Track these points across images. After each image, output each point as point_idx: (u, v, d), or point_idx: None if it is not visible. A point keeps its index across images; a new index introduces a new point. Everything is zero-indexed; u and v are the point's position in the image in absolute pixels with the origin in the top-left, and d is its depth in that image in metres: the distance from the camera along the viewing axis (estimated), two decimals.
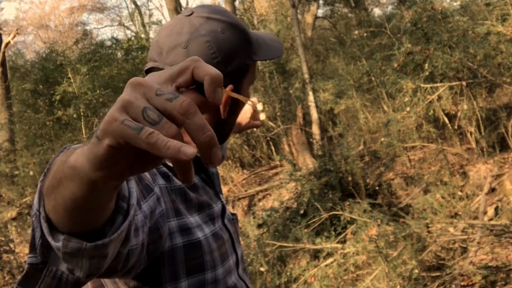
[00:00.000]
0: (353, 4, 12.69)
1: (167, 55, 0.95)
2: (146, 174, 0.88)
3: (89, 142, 0.53)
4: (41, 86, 11.08)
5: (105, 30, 41.81)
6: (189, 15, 0.97)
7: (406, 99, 7.46)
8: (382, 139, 8.11)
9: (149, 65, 0.99)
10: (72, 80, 10.60)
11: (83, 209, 0.58)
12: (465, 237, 5.18)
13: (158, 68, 0.96)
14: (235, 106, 1.03)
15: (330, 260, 5.29)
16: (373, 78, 9.68)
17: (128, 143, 0.48)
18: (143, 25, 19.52)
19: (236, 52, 0.98)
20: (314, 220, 6.23)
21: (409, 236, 4.96)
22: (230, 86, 0.98)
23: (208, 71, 0.51)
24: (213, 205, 1.02)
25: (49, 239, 0.62)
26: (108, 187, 0.56)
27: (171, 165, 0.96)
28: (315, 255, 5.92)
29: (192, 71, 0.51)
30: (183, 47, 0.94)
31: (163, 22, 19.46)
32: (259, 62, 12.15)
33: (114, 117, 0.49)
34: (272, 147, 10.76)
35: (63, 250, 0.62)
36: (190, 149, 0.48)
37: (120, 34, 28.85)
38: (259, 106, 1.27)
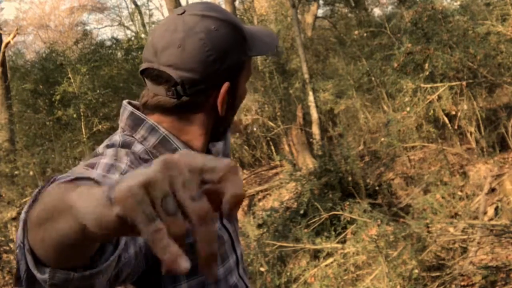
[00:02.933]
0: (353, 4, 12.68)
1: (162, 54, 0.95)
2: None
3: (95, 186, 0.53)
4: (41, 86, 11.08)
5: (105, 30, 41.82)
6: (181, 14, 0.96)
7: (406, 99, 7.46)
8: (382, 139, 8.11)
9: (144, 65, 0.99)
10: (72, 80, 10.60)
11: (73, 246, 0.56)
12: (465, 237, 5.18)
13: (153, 69, 0.96)
14: (232, 102, 1.02)
15: (330, 260, 5.29)
16: (373, 78, 9.68)
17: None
18: (143, 25, 19.52)
19: (231, 49, 0.97)
20: (314, 220, 6.23)
21: (409, 236, 4.96)
22: (226, 84, 0.98)
23: (236, 191, 0.50)
24: None
25: (35, 272, 0.61)
26: (104, 239, 0.55)
27: None
28: (315, 255, 5.92)
29: (222, 178, 0.50)
30: (177, 46, 0.93)
31: None
32: (258, 61, 12.13)
33: (133, 192, 0.47)
34: (272, 147, 10.77)
35: (49, 282, 0.61)
36: (184, 264, 0.48)
37: (120, 34, 28.86)
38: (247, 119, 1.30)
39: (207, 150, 1.04)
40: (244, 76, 1.03)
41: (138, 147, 0.95)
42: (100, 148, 0.95)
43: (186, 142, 0.99)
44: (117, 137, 0.98)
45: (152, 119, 0.98)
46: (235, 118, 1.13)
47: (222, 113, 0.99)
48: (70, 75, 10.65)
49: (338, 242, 5.52)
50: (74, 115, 10.35)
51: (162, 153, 0.95)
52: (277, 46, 1.07)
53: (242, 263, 1.10)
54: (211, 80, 0.96)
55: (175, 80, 0.94)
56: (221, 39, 0.95)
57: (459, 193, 6.79)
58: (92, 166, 0.85)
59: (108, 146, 0.95)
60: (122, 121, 1.00)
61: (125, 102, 1.02)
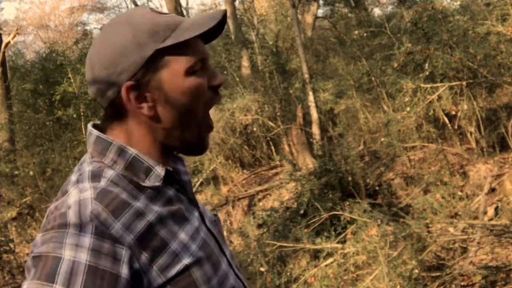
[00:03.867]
0: (353, 4, 12.69)
1: (86, 72, 1.00)
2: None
3: None
4: (41, 86, 11.08)
5: None
6: (101, 29, 1.00)
7: (406, 99, 7.47)
8: (382, 139, 8.11)
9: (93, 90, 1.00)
10: (72, 80, 10.60)
11: None
12: (465, 237, 5.18)
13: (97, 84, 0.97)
14: (167, 99, 0.97)
15: (330, 260, 5.29)
16: (373, 78, 9.68)
17: None
18: None
19: (126, 49, 0.94)
20: (314, 220, 6.23)
21: (409, 236, 4.96)
22: (126, 83, 0.94)
23: None
24: (189, 217, 1.00)
25: None
26: None
27: (145, 185, 0.94)
28: (315, 255, 5.92)
29: None
30: (88, 63, 0.98)
31: None
32: (258, 61, 12.05)
33: None
34: (272, 147, 10.77)
35: None
36: None
37: None
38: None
39: (176, 170, 1.02)
40: (172, 69, 0.96)
41: (109, 173, 0.93)
42: (70, 186, 0.92)
43: (148, 154, 0.98)
44: (86, 165, 0.96)
45: (112, 132, 0.98)
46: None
47: (150, 113, 0.96)
48: (70, 75, 10.66)
49: (338, 242, 5.52)
50: (74, 115, 10.36)
51: (134, 175, 0.94)
52: (218, 22, 0.99)
53: (234, 261, 1.10)
54: (114, 84, 0.95)
55: (91, 96, 0.99)
56: (108, 44, 0.95)
57: (459, 193, 6.79)
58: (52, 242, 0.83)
59: (78, 181, 0.92)
60: (90, 146, 0.98)
61: (89, 125, 1.01)
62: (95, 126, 1.01)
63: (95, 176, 0.92)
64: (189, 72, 0.97)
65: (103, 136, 0.97)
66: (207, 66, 1.01)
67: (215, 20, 0.98)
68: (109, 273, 0.83)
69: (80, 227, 0.84)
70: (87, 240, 0.84)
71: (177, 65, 0.97)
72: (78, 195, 0.89)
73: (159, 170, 0.96)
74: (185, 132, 0.99)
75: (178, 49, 0.96)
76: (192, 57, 0.97)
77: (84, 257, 0.82)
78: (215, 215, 1.13)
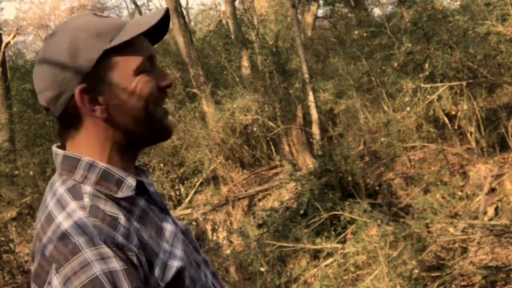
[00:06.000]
0: (353, 4, 12.69)
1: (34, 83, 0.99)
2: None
3: None
4: None
5: None
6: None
7: (406, 99, 7.46)
8: (382, 139, 8.11)
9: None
10: None
11: None
12: (465, 237, 5.18)
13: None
14: (121, 100, 0.96)
15: (330, 260, 5.29)
16: (373, 78, 9.68)
17: None
18: None
19: (69, 53, 0.94)
20: (314, 220, 6.23)
21: (409, 236, 4.96)
22: (78, 87, 0.94)
23: None
24: (164, 225, 1.00)
25: None
26: None
27: (119, 196, 0.93)
28: (315, 255, 5.92)
29: None
30: (34, 74, 0.98)
31: None
32: (258, 61, 12.04)
33: None
34: (272, 147, 10.76)
35: None
36: None
37: None
38: None
39: (140, 183, 0.99)
40: (120, 69, 0.96)
41: (87, 189, 0.92)
42: (53, 211, 0.90)
43: (116, 165, 0.97)
44: (58, 186, 0.94)
45: (73, 146, 0.97)
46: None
47: (104, 115, 0.95)
48: None
49: (338, 242, 5.52)
50: None
51: (106, 188, 0.93)
52: (162, 19, 0.99)
53: (210, 268, 1.10)
54: (64, 90, 0.94)
55: (43, 105, 0.97)
56: (56, 49, 0.95)
57: (459, 193, 6.79)
58: None
59: (61, 205, 0.90)
60: (58, 167, 0.97)
61: (54, 147, 1.00)
62: (58, 147, 1.00)
63: (76, 195, 0.91)
64: (138, 71, 0.97)
65: (69, 154, 0.96)
66: (155, 66, 1.01)
67: (158, 17, 0.98)
68: (136, 276, 0.85)
69: (93, 243, 0.84)
70: (106, 250, 0.84)
71: (126, 65, 0.96)
72: (71, 218, 0.87)
73: (130, 181, 0.96)
74: (144, 128, 0.99)
75: (125, 49, 0.96)
76: (140, 56, 0.97)
77: (116, 264, 0.83)
78: (185, 225, 1.13)
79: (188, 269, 0.97)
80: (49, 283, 0.83)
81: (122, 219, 0.91)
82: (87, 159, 0.95)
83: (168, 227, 1.00)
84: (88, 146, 0.97)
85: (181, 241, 1.01)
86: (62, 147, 1.00)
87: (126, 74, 0.96)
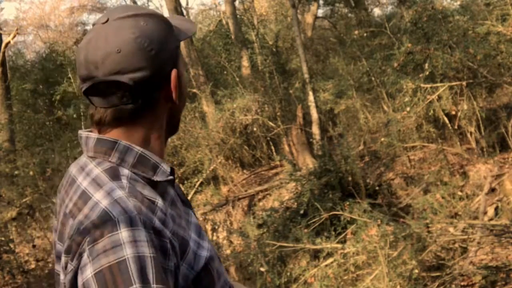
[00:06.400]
0: (353, 4, 12.68)
1: (103, 65, 0.93)
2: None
3: None
4: (41, 86, 11.10)
5: None
6: (105, 22, 0.96)
7: (406, 99, 7.46)
8: (382, 139, 8.11)
9: (88, 84, 0.95)
10: (72, 80, 10.60)
11: None
12: (465, 237, 5.18)
13: (99, 83, 0.94)
14: (180, 90, 1.03)
15: (330, 260, 5.29)
16: (373, 78, 9.68)
17: None
18: None
19: (166, 38, 0.98)
20: (314, 220, 6.23)
21: (409, 236, 4.96)
22: (174, 70, 0.99)
23: None
24: (189, 217, 1.02)
25: None
26: None
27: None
28: (315, 255, 5.92)
29: None
30: (117, 52, 0.93)
31: None
32: (258, 61, 12.07)
33: None
34: (272, 147, 10.76)
35: None
36: None
37: None
38: None
39: (171, 170, 1.00)
40: (181, 62, 1.04)
41: (124, 172, 0.93)
42: (89, 190, 0.90)
43: (152, 151, 0.99)
44: (93, 168, 0.94)
45: (109, 135, 0.97)
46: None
47: (177, 102, 1.00)
48: (70, 75, 10.66)
49: (338, 242, 5.52)
50: (74, 115, 10.36)
51: (143, 172, 0.94)
52: (195, 29, 1.10)
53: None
54: (160, 72, 0.97)
55: (128, 84, 0.93)
56: (154, 31, 0.96)
57: (459, 193, 6.79)
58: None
59: (97, 184, 0.90)
60: (89, 150, 0.97)
61: (81, 131, 1.00)
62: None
63: (114, 176, 0.92)
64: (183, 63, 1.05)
65: (104, 137, 0.96)
66: None
67: (194, 30, 1.09)
68: (162, 266, 0.85)
69: (131, 222, 0.84)
70: (142, 233, 0.84)
71: (182, 58, 1.05)
72: (110, 196, 0.88)
73: (165, 167, 0.97)
74: (179, 119, 1.08)
75: (179, 45, 1.04)
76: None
77: (146, 250, 0.83)
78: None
79: (215, 261, 0.99)
80: (80, 255, 0.84)
81: (159, 203, 0.92)
82: (124, 143, 0.96)
83: (193, 220, 1.03)
84: (144, 131, 0.99)
85: (204, 234, 1.03)
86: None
87: (183, 66, 1.04)
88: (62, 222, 0.92)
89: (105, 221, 0.84)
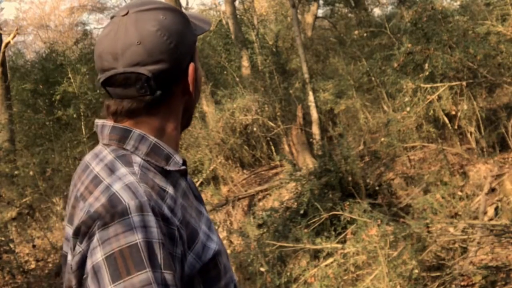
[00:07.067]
0: (353, 4, 12.68)
1: (123, 57, 0.94)
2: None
3: None
4: (41, 86, 11.09)
5: None
6: (125, 15, 0.98)
7: (406, 99, 7.46)
8: (382, 139, 8.11)
9: (107, 74, 0.96)
10: (72, 80, 10.60)
11: None
12: (465, 237, 5.18)
13: (118, 74, 0.95)
14: (198, 84, 1.05)
15: (330, 260, 5.29)
16: (373, 78, 9.68)
17: None
18: None
19: (184, 31, 1.00)
20: (314, 220, 6.22)
21: (409, 236, 4.96)
22: (192, 64, 1.00)
23: None
24: (201, 210, 1.04)
25: None
26: None
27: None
28: (315, 255, 5.92)
29: None
30: (137, 44, 0.94)
31: None
32: (258, 61, 12.07)
33: None
34: (272, 147, 10.76)
35: None
36: None
37: None
38: None
39: (183, 161, 1.02)
40: (197, 56, 1.06)
41: (137, 159, 0.94)
42: (102, 175, 0.92)
43: (166, 143, 1.00)
44: (107, 155, 0.95)
45: (132, 123, 0.99)
46: None
47: (193, 90, 1.01)
48: (70, 75, 10.66)
49: (338, 242, 5.52)
50: (74, 115, 10.36)
51: (156, 161, 0.95)
52: (210, 24, 1.10)
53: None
54: (179, 65, 0.98)
55: (147, 76, 0.94)
56: (173, 25, 0.98)
57: (459, 193, 6.79)
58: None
59: (110, 170, 0.92)
60: (104, 138, 0.98)
61: (98, 120, 1.02)
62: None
63: (127, 162, 0.93)
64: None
65: (120, 125, 0.98)
66: None
67: (209, 27, 1.09)
68: (170, 252, 0.86)
69: (141, 207, 0.85)
70: (152, 219, 0.85)
71: (197, 52, 1.06)
72: (121, 180, 0.89)
73: (178, 158, 0.99)
74: (193, 113, 1.10)
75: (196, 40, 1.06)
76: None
77: (156, 236, 0.84)
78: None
79: (223, 256, 1.01)
80: (90, 237, 0.85)
81: (170, 192, 0.93)
82: (139, 131, 0.97)
83: (205, 213, 1.04)
84: (159, 122, 1.00)
85: (214, 229, 1.04)
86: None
87: (198, 62, 1.06)
88: (73, 205, 0.94)
89: (116, 205, 0.85)
